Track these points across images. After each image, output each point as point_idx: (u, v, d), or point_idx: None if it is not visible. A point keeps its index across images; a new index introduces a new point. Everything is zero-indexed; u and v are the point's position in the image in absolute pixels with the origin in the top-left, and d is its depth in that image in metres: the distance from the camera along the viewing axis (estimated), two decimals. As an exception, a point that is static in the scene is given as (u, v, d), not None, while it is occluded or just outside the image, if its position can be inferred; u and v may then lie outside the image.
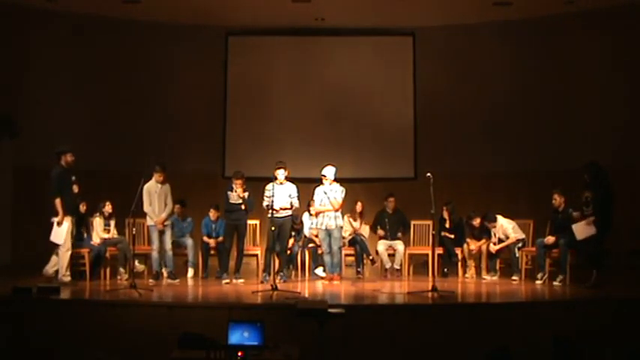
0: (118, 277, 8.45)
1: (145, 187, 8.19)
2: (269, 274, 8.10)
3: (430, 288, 7.24)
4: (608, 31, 10.11)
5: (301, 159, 10.48)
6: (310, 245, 9.13)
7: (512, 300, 7.37)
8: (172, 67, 11.10)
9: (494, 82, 10.89)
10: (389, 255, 9.17)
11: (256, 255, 9.13)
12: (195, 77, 11.17)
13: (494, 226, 8.77)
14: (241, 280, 8.38)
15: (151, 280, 8.22)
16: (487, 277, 8.75)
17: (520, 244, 8.69)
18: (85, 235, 8.54)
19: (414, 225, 9.41)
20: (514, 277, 8.60)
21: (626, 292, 7.51)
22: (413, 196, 9.70)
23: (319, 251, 8.86)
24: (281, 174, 8.39)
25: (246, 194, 8.45)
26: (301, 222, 9.30)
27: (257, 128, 11.26)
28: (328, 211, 8.45)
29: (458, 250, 9.07)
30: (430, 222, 8.60)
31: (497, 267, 8.79)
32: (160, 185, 8.38)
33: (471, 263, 9.01)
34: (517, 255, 8.66)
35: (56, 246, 7.90)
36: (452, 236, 9.15)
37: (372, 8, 10.29)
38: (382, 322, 6.48)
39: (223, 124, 11.34)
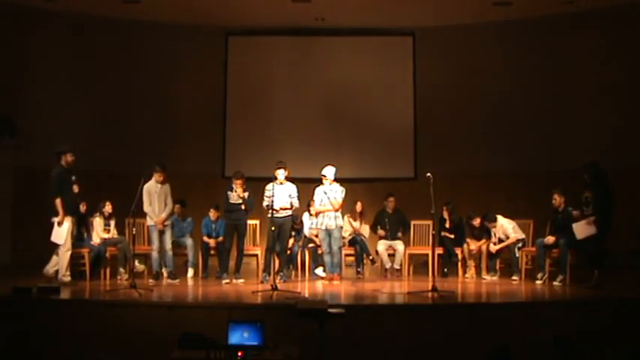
0: (118, 277, 8.45)
1: (145, 187, 8.19)
2: (269, 274, 8.10)
3: (430, 288, 7.24)
4: (608, 31, 10.12)
5: (301, 159, 10.48)
6: (310, 245, 9.13)
7: (512, 300, 7.37)
8: (172, 67, 11.10)
9: (494, 82, 10.89)
10: (389, 255, 9.17)
11: (256, 255, 9.13)
12: (195, 77, 11.17)
13: (494, 226, 8.77)
14: (241, 280, 8.38)
15: (151, 280, 8.22)
16: (487, 277, 8.75)
17: (520, 244, 8.69)
18: (85, 235, 8.54)
19: (414, 225, 9.41)
20: (514, 277, 8.60)
21: (626, 292, 7.51)
22: (413, 196, 9.70)
23: (319, 251, 8.86)
24: (281, 174, 8.39)
25: (246, 194, 8.45)
26: (301, 222, 9.30)
27: (257, 128, 11.26)
28: (328, 211, 8.45)
29: (458, 250, 9.06)
30: (430, 222, 8.60)
31: (497, 267, 8.79)
32: (159, 185, 8.38)
33: (471, 263, 9.01)
34: (517, 255, 8.67)
35: (57, 246, 7.90)
36: (452, 236, 9.15)
37: (372, 8, 10.29)
38: (382, 322, 6.48)
39: (223, 124, 11.34)
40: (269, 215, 7.97)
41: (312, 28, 11.20)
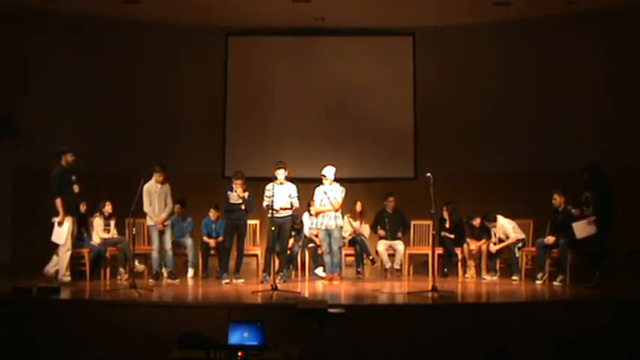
0: (118, 277, 8.45)
1: (145, 187, 8.19)
2: (269, 274, 8.10)
3: (430, 288, 7.24)
4: (608, 31, 10.12)
5: (301, 159, 10.48)
6: (310, 245, 9.13)
7: (512, 300, 7.37)
8: (172, 67, 11.10)
9: (494, 82, 10.89)
10: (389, 255, 9.17)
11: (256, 255, 9.13)
12: (195, 77, 11.17)
13: (495, 226, 8.77)
14: (241, 280, 8.37)
15: (151, 280, 8.22)
16: (487, 277, 8.75)
17: (520, 244, 8.69)
18: (85, 235, 8.54)
19: (414, 225, 9.41)
20: (514, 277, 8.60)
21: (626, 292, 7.51)
22: (413, 196, 9.70)
23: (319, 251, 8.86)
24: (281, 174, 8.39)
25: (246, 194, 8.45)
26: (301, 222, 9.30)
27: (257, 128, 11.26)
28: (328, 211, 8.45)
29: (458, 250, 9.07)
30: (430, 222, 8.60)
31: (497, 267, 8.79)
32: (159, 185, 8.37)
33: (471, 263, 9.01)
34: (517, 255, 8.67)
35: (57, 246, 7.90)
36: (452, 236, 9.15)
37: (372, 8, 10.29)
38: (382, 322, 6.47)
39: (223, 124, 11.34)
40: (269, 215, 7.97)
41: (312, 28, 11.20)
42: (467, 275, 8.96)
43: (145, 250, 8.78)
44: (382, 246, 9.17)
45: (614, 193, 7.76)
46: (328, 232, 8.46)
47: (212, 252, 8.91)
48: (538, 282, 8.25)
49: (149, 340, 6.13)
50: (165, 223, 8.40)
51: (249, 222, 8.94)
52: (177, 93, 11.11)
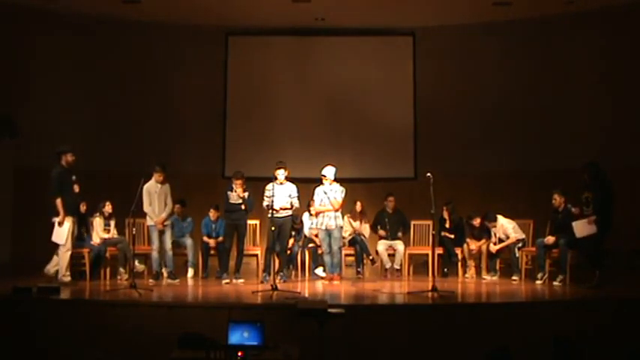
0: (118, 277, 8.46)
1: (145, 187, 8.19)
2: (269, 274, 8.10)
3: (430, 288, 7.23)
4: (608, 31, 10.12)
5: (301, 159, 10.49)
6: (310, 245, 9.13)
7: (512, 300, 7.36)
8: (172, 67, 11.10)
9: (494, 82, 10.89)
10: (389, 255, 9.17)
11: (256, 255, 9.13)
12: (195, 77, 11.17)
13: (495, 226, 8.77)
14: (241, 280, 8.38)
15: (151, 280, 8.22)
16: (487, 277, 8.75)
17: (520, 244, 8.69)
18: (85, 235, 8.54)
19: (414, 225, 9.41)
20: (514, 277, 8.60)
21: (626, 292, 7.51)
22: (413, 196, 9.71)
23: (319, 251, 8.86)
24: (281, 174, 8.39)
25: (246, 194, 8.45)
26: (301, 222, 9.30)
27: (257, 128, 11.27)
28: (328, 211, 8.45)
29: (458, 250, 9.07)
30: (430, 222, 8.60)
31: (497, 267, 8.79)
32: (159, 185, 8.37)
33: (471, 263, 9.01)
34: (517, 255, 8.67)
35: (58, 246, 7.89)
36: (452, 236, 9.15)
37: (372, 8, 10.29)
38: (382, 322, 6.47)
39: (223, 124, 11.34)
40: (269, 215, 7.97)
41: (312, 28, 11.20)
42: (467, 275, 8.97)
43: (145, 250, 8.78)
44: (382, 246, 9.17)
45: (614, 193, 7.76)
46: (328, 232, 8.46)
47: (212, 252, 8.91)
48: (538, 282, 8.25)
49: (149, 340, 6.12)
50: (165, 223, 8.40)
51: (249, 222, 8.94)
52: (177, 93, 11.11)
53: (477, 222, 8.98)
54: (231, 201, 8.47)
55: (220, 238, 8.81)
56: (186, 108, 11.13)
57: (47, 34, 10.40)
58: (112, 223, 8.78)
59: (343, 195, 8.55)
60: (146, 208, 8.26)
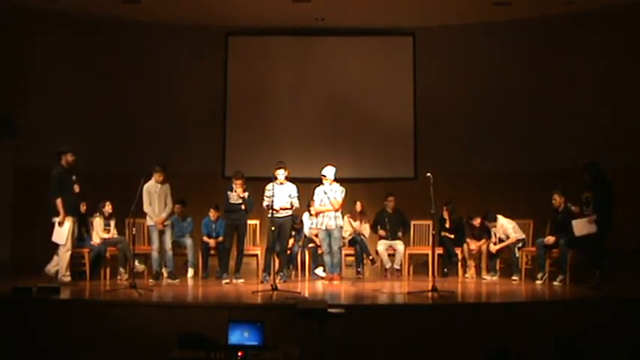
0: (118, 277, 8.46)
1: (145, 187, 8.19)
2: (269, 274, 8.10)
3: (430, 288, 7.23)
4: (608, 31, 10.12)
5: (301, 159, 10.49)
6: (310, 245, 9.13)
7: (512, 300, 7.36)
8: (172, 67, 11.10)
9: (494, 82, 10.89)
10: (389, 255, 9.18)
11: (256, 255, 9.13)
12: (195, 77, 11.18)
13: (495, 226, 8.77)
14: (241, 280, 8.38)
15: (151, 280, 8.22)
16: (487, 277, 8.75)
17: (520, 244, 8.69)
18: (85, 235, 8.54)
19: (414, 225, 9.41)
20: (514, 277, 8.60)
21: (626, 292, 7.51)
22: (413, 196, 9.70)
23: (319, 251, 8.86)
24: (281, 174, 8.38)
25: (246, 194, 8.45)
26: (301, 221, 9.30)
27: (257, 128, 11.27)
28: (328, 211, 8.45)
29: (458, 250, 9.07)
30: (430, 222, 8.59)
31: (497, 267, 8.79)
32: (159, 185, 8.38)
33: (471, 263, 9.01)
34: (517, 255, 8.67)
35: (58, 246, 7.89)
36: (452, 236, 9.16)
37: (372, 8, 10.29)
38: (382, 322, 6.47)
39: (223, 124, 11.34)
40: (269, 215, 7.97)
41: (312, 28, 11.20)
42: (467, 275, 8.97)
43: (145, 250, 8.78)
44: (382, 246, 9.17)
45: (614, 193, 7.76)
46: (328, 232, 8.46)
47: (212, 252, 8.92)
48: (538, 282, 8.25)
49: (149, 340, 6.13)
50: (165, 223, 8.40)
51: (249, 222, 8.94)
52: (177, 93, 11.11)
53: (477, 222, 8.98)
54: (231, 201, 8.47)
55: (220, 238, 8.81)
56: (186, 108, 11.13)
57: (47, 34, 10.40)
58: (112, 223, 8.78)
59: (343, 195, 8.55)
60: (146, 208, 8.26)
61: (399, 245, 9.16)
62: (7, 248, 9.87)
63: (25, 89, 10.20)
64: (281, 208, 8.27)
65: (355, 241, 9.18)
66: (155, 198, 8.32)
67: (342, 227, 8.62)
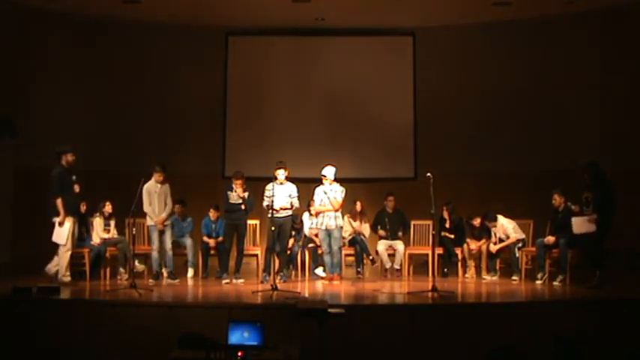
0: (118, 277, 8.46)
1: (145, 187, 8.19)
2: (269, 274, 8.10)
3: (430, 288, 7.23)
4: (608, 31, 10.12)
5: (301, 159, 10.48)
6: (310, 245, 9.13)
7: (512, 300, 7.37)
8: (172, 67, 11.10)
9: (494, 82, 10.89)
10: (389, 255, 9.18)
11: (256, 255, 9.13)
12: (195, 77, 11.17)
13: (495, 226, 8.77)
14: (241, 280, 8.38)
15: (151, 280, 8.22)
16: (487, 277, 8.75)
17: (520, 244, 8.69)
18: (85, 235, 8.54)
19: (414, 225, 9.42)
20: (514, 277, 8.60)
21: (626, 292, 7.51)
22: (413, 196, 9.69)
23: (319, 251, 8.86)
24: (281, 174, 8.39)
25: (246, 194, 8.45)
26: (301, 221, 9.30)
27: (257, 128, 11.26)
28: (328, 211, 8.45)
29: (458, 250, 9.07)
30: (430, 222, 8.60)
31: (497, 267, 8.80)
32: (159, 185, 8.38)
33: (471, 263, 9.01)
34: (517, 255, 8.67)
35: (58, 246, 7.89)
36: (452, 236, 9.16)
37: (372, 8, 10.29)
38: (382, 322, 6.48)
39: (223, 124, 11.34)
40: (269, 215, 7.97)
41: (312, 28, 11.20)
42: (467, 275, 8.97)
43: (145, 250, 8.78)
44: (382, 246, 9.17)
45: (614, 193, 7.76)
46: (328, 232, 8.46)
47: (212, 252, 8.92)
48: (538, 282, 8.25)
49: (149, 340, 6.13)
50: (165, 223, 8.41)
51: (249, 222, 8.95)
52: (178, 93, 11.11)
53: (477, 222, 8.98)
54: (231, 201, 8.47)
55: (220, 238, 8.82)
56: (186, 108, 11.13)
57: (47, 34, 10.40)
58: (112, 223, 8.78)
59: (343, 195, 8.55)
60: (146, 208, 8.27)
61: (399, 245, 9.16)
62: (7, 248, 9.86)
63: (25, 89, 10.19)
64: (281, 208, 8.27)
65: (355, 241, 9.18)
66: (155, 198, 8.32)
67: (342, 227, 8.62)
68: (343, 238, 8.89)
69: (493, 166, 10.77)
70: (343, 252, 8.97)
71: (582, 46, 10.40)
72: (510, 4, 9.92)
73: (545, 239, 8.27)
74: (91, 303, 6.99)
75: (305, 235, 9.25)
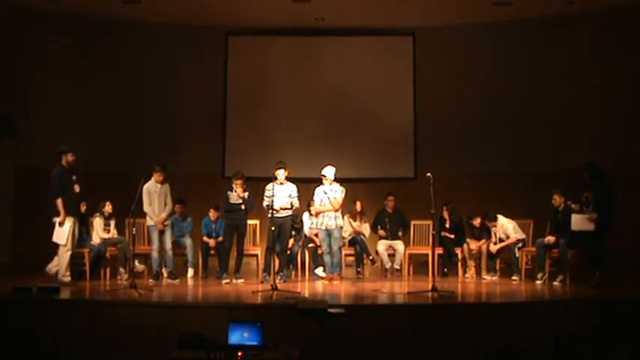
0: (118, 277, 8.46)
1: (145, 187, 8.19)
2: (269, 274, 8.10)
3: (430, 288, 7.23)
4: (608, 31, 10.12)
5: (301, 159, 10.49)
6: (310, 245, 9.13)
7: (512, 300, 7.37)
8: (172, 67, 11.10)
9: (494, 82, 10.90)
10: (389, 255, 9.18)
11: (256, 255, 9.13)
12: (195, 77, 11.17)
13: (495, 226, 8.77)
14: (241, 280, 8.38)
15: (151, 280, 8.22)
16: (487, 277, 8.75)
17: (520, 244, 8.69)
18: (86, 235, 8.54)
19: (414, 225, 9.42)
20: (514, 277, 8.60)
21: (626, 292, 7.51)
22: (413, 196, 9.69)
23: (319, 251, 8.86)
24: (281, 174, 8.39)
25: (246, 194, 8.45)
26: (301, 221, 9.30)
27: (257, 128, 11.26)
28: (328, 211, 8.45)
29: (458, 250, 9.07)
30: (430, 222, 8.60)
31: (497, 267, 8.80)
32: (159, 185, 8.38)
33: (471, 263, 9.01)
34: (517, 255, 8.67)
35: (59, 246, 7.89)
36: (452, 236, 9.16)
37: (372, 8, 10.29)
38: (382, 322, 6.48)
39: (223, 124, 11.34)
40: (269, 215, 7.97)
41: (312, 28, 11.20)
42: (467, 275, 8.97)
43: (145, 250, 8.78)
44: (382, 246, 9.17)
45: (614, 193, 7.76)
46: (328, 232, 8.46)
47: (212, 252, 8.92)
48: (538, 282, 8.25)
49: (149, 340, 6.13)
50: (165, 223, 8.40)
51: (249, 222, 8.95)
52: (178, 93, 11.11)
53: (477, 222, 8.98)
54: (231, 201, 8.47)
55: (220, 238, 8.82)
56: (186, 108, 11.13)
57: (47, 34, 10.39)
58: (112, 223, 8.78)
59: (343, 195, 8.55)
60: (146, 208, 8.26)
61: (399, 245, 9.16)
62: (7, 248, 9.87)
63: (25, 89, 10.19)
64: (281, 208, 8.27)
65: (355, 241, 9.17)
66: (155, 198, 8.32)
67: (342, 227, 8.62)
68: (343, 238, 8.89)
69: (493, 166, 10.78)
70: (343, 252, 8.97)
71: (582, 46, 10.40)
72: (510, 4, 9.92)
73: (545, 239, 8.27)
74: (91, 303, 6.99)
75: (305, 235, 9.25)
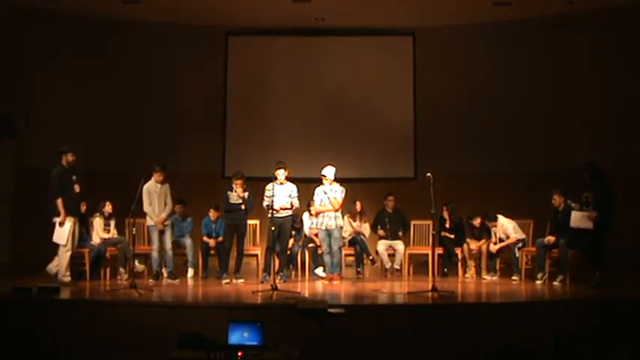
0: (118, 277, 8.46)
1: (145, 187, 8.19)
2: (269, 274, 8.10)
3: (430, 288, 7.24)
4: (608, 31, 10.11)
5: (301, 159, 10.49)
6: (310, 245, 9.13)
7: (512, 300, 7.37)
8: (172, 67, 11.10)
9: (494, 82, 10.90)
10: (389, 255, 9.18)
11: (256, 255, 9.14)
12: (195, 77, 11.17)
13: (495, 226, 8.77)
14: (241, 280, 8.38)
15: (151, 280, 8.22)
16: (487, 277, 8.75)
17: (520, 244, 8.69)
18: (86, 235, 8.54)
19: (414, 225, 9.42)
20: (514, 277, 8.60)
21: (626, 292, 7.51)
22: (413, 196, 9.69)
23: (319, 251, 8.86)
24: (281, 174, 8.39)
25: (246, 194, 8.46)
26: (301, 221, 9.30)
27: (257, 128, 11.26)
28: (328, 211, 8.45)
29: (458, 250, 9.07)
30: (430, 222, 8.60)
31: (497, 267, 8.80)
32: (159, 185, 8.38)
33: (471, 263, 9.01)
34: (517, 255, 8.67)
35: (59, 246, 7.88)
36: (452, 236, 9.16)
37: (372, 8, 10.28)
38: (382, 322, 6.48)
39: (223, 124, 11.34)
40: (269, 215, 7.97)
41: (312, 28, 11.20)
42: (467, 275, 8.97)
43: (145, 250, 8.78)
44: (382, 246, 9.17)
45: (614, 193, 7.76)
46: (328, 232, 8.46)
47: (212, 252, 8.92)
48: (538, 282, 8.25)
49: (149, 340, 6.13)
50: (165, 223, 8.41)
51: (249, 222, 8.95)
52: (177, 93, 11.11)
53: (477, 222, 8.98)
54: (231, 201, 8.47)
55: (220, 238, 8.82)
56: (186, 108, 11.13)
57: (47, 34, 10.39)
58: (112, 223, 8.78)
59: (343, 195, 8.55)
60: (146, 208, 8.26)
61: (399, 245, 9.16)
62: (7, 248, 9.87)
63: (25, 89, 10.19)
64: (281, 208, 8.28)
65: (355, 241, 9.18)
66: (155, 198, 8.32)
67: (342, 227, 8.62)
68: (343, 238, 8.89)
69: (493, 166, 10.78)
70: (343, 252, 8.97)
71: (582, 46, 10.39)
72: (510, 4, 9.91)
73: (545, 239, 8.27)
74: (91, 303, 7.00)
75: (305, 235, 9.25)
